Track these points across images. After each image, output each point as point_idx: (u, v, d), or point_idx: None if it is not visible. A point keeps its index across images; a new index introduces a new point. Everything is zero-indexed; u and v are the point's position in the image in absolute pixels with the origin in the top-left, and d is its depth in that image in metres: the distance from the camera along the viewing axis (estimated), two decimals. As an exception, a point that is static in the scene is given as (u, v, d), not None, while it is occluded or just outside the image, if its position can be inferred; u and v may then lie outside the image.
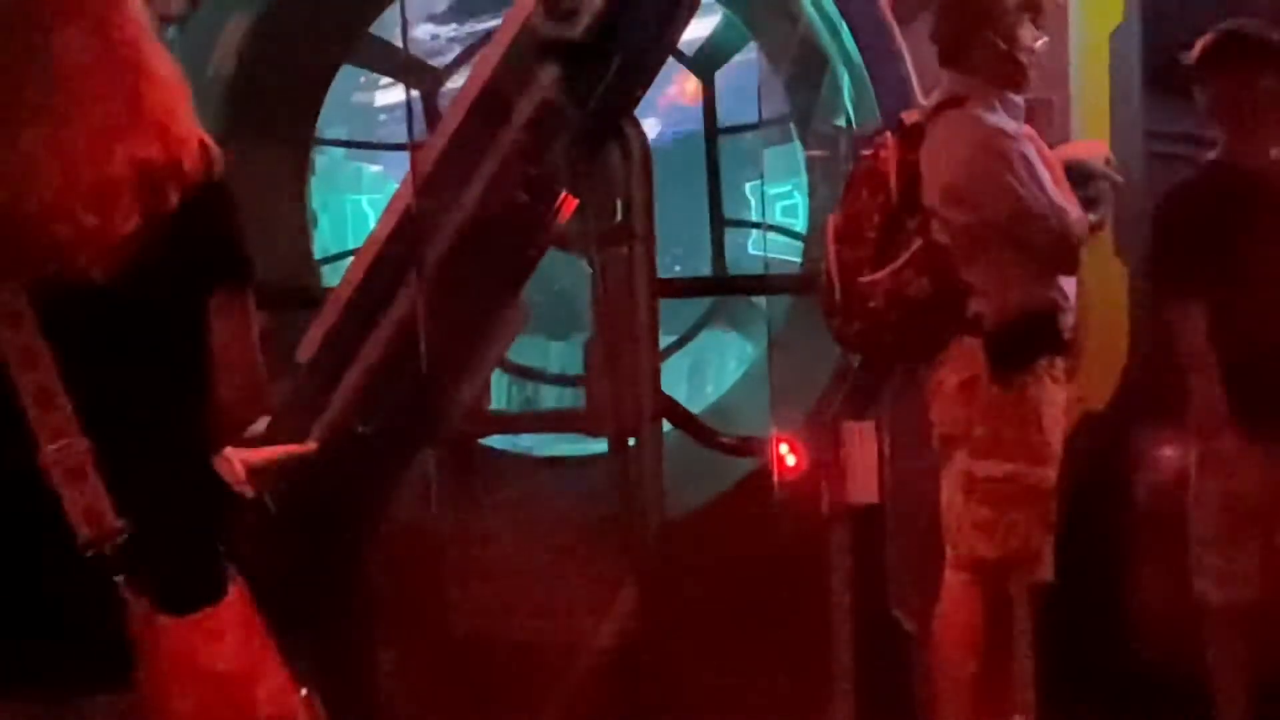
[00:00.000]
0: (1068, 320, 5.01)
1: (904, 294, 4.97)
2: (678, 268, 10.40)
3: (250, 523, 2.89)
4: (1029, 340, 4.94)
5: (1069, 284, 4.99)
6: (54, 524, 2.40)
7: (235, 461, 2.93)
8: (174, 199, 2.43)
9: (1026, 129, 5.03)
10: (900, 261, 4.97)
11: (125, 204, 2.39)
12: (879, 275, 5.00)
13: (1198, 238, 5.17)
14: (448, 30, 11.32)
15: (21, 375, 2.39)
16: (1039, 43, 5.06)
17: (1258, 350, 5.07)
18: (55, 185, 2.36)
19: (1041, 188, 4.87)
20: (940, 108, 5.03)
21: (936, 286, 4.93)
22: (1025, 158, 4.89)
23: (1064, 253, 4.94)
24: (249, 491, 2.93)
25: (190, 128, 2.50)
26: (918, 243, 4.96)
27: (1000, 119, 4.96)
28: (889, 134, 5.17)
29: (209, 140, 2.54)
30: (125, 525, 2.41)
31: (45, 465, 2.39)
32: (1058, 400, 5.00)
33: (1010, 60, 4.99)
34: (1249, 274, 5.07)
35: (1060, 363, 5.00)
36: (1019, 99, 5.04)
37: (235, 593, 2.59)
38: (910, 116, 5.15)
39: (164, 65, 2.51)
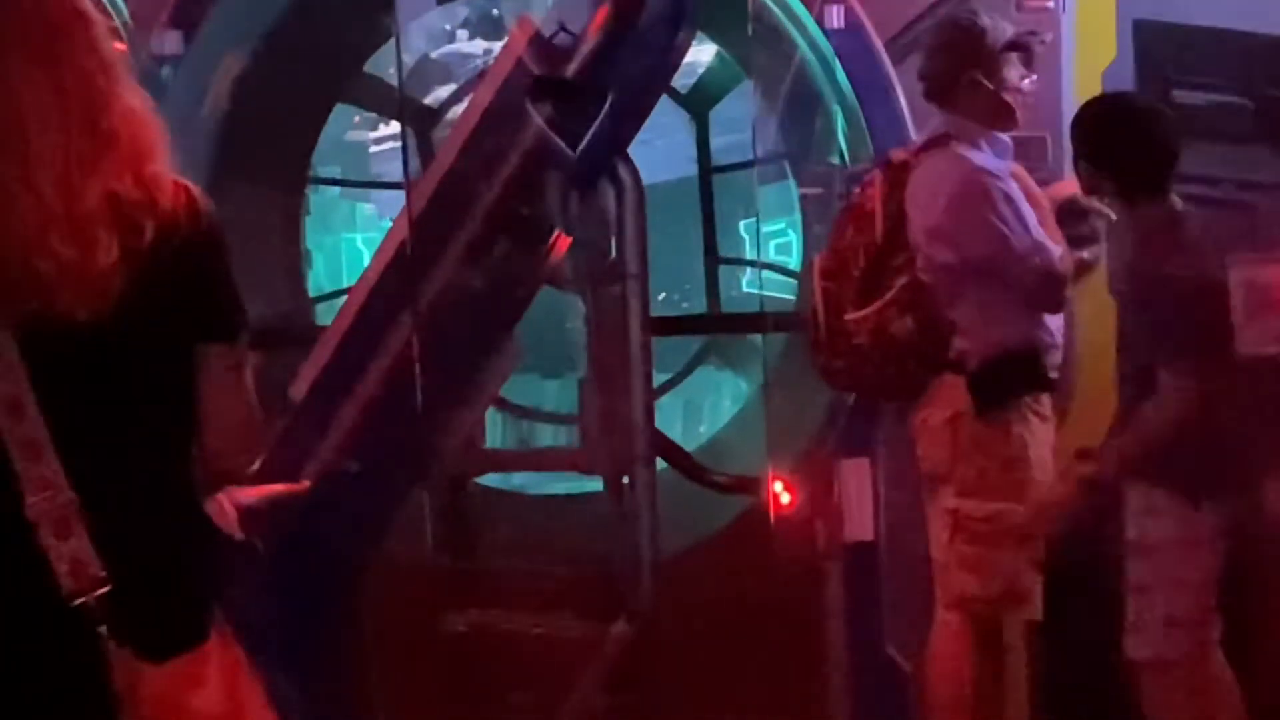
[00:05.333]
0: (1053, 358, 5.00)
1: (888, 331, 4.98)
2: (685, 305, 10.40)
3: (240, 564, 2.88)
4: (1012, 378, 4.94)
5: (1055, 322, 4.99)
6: (38, 574, 2.39)
7: (226, 503, 2.92)
8: (149, 233, 2.42)
9: (1014, 167, 5.04)
10: (885, 299, 4.99)
11: (102, 237, 2.38)
12: (864, 312, 5.01)
13: None
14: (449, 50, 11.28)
15: (9, 426, 2.38)
16: (1026, 82, 5.07)
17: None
18: (30, 219, 2.34)
19: (1025, 226, 4.88)
20: (926, 146, 5.05)
21: (920, 324, 4.95)
22: (1009, 196, 4.89)
23: (1047, 291, 4.94)
24: (240, 535, 2.93)
25: (165, 164, 2.48)
26: (902, 281, 4.98)
27: (985, 157, 4.97)
28: (877, 172, 5.19)
29: (195, 189, 2.52)
30: (108, 576, 2.40)
31: (30, 516, 2.39)
32: (1044, 438, 4.99)
33: (996, 100, 5.00)
34: None
35: (1046, 400, 5.00)
36: (1007, 137, 5.05)
37: (218, 637, 2.58)
38: (898, 155, 5.17)
39: (135, 100, 2.49)
